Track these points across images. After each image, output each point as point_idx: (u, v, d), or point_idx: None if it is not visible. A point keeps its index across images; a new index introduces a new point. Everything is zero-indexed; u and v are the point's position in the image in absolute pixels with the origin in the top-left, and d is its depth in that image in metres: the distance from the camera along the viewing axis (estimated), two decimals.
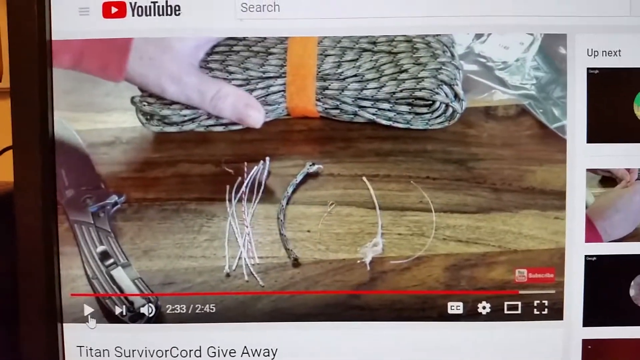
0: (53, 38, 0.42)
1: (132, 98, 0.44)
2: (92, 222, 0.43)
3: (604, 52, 0.43)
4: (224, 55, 0.44)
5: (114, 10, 0.42)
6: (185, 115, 0.43)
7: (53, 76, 0.43)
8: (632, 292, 0.43)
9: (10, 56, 0.41)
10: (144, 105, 0.43)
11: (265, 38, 0.44)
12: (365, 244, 0.44)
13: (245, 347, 0.43)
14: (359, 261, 0.43)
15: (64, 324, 0.43)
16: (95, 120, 0.44)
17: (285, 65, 0.43)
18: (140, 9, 0.42)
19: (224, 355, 0.43)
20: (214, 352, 0.43)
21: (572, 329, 0.44)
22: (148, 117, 0.44)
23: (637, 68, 0.43)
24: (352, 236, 0.44)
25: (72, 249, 0.43)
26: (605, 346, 0.44)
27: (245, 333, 0.43)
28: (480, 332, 0.44)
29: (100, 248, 0.43)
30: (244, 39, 0.44)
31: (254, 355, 0.43)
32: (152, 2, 0.42)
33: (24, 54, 0.41)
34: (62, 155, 0.43)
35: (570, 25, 0.43)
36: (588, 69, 0.43)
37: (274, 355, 0.43)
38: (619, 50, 0.43)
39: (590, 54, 0.43)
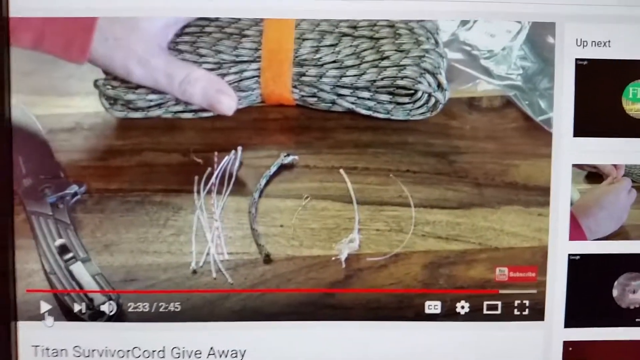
0: (11, 15, 0.41)
1: (96, 81, 0.43)
2: (51, 213, 0.43)
3: (594, 43, 0.43)
4: (195, 37, 0.43)
5: None
6: (151, 100, 0.43)
7: (11, 57, 0.42)
8: (615, 293, 0.44)
9: None
10: (108, 88, 0.42)
11: (239, 19, 0.43)
12: (341, 239, 0.43)
13: (211, 348, 0.43)
14: (334, 258, 0.43)
15: (18, 322, 0.43)
16: (56, 104, 0.43)
17: (260, 49, 0.43)
18: None
19: (189, 357, 0.43)
20: (179, 353, 0.43)
21: (553, 330, 0.44)
22: (112, 101, 0.43)
23: (627, 60, 0.43)
24: (327, 231, 0.43)
25: (29, 241, 0.43)
26: (587, 348, 0.44)
27: (212, 333, 0.43)
28: (458, 333, 0.44)
29: (58, 241, 0.42)
30: (217, 19, 0.43)
31: (221, 357, 0.43)
32: None
33: None
34: (20, 142, 0.42)
35: (559, 14, 0.43)
36: (576, 59, 0.43)
37: (242, 356, 0.43)
38: (609, 41, 0.43)
39: (579, 44, 0.43)
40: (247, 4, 0.42)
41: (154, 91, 0.43)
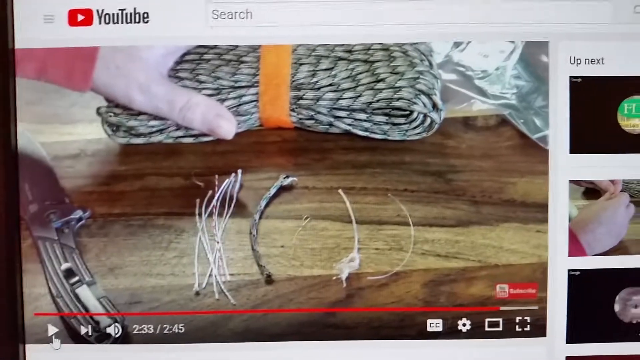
0: (16, 47, 0.44)
1: (98, 109, 0.45)
2: (57, 238, 0.44)
3: (587, 60, 0.44)
4: (194, 64, 0.45)
5: (80, 17, 0.43)
6: (153, 126, 0.45)
7: (16, 87, 0.44)
8: (617, 307, 0.45)
9: None
10: (110, 116, 0.44)
11: (237, 46, 0.45)
12: (341, 259, 0.45)
13: None
14: (334, 277, 0.45)
15: (26, 345, 0.44)
16: (60, 132, 0.45)
17: (257, 74, 0.45)
18: (107, 16, 0.43)
19: None
20: None
21: (555, 346, 0.45)
22: (114, 128, 0.45)
23: (621, 76, 0.45)
24: (327, 251, 0.45)
25: (36, 266, 0.44)
26: None
27: (215, 354, 0.45)
28: (461, 350, 0.45)
29: (64, 265, 0.44)
30: (215, 46, 0.45)
31: None
32: (119, 9, 0.44)
33: None
34: (26, 169, 0.44)
35: (553, 33, 0.44)
36: (571, 77, 0.44)
37: None
38: (602, 58, 0.44)
39: (572, 61, 0.44)
40: (245, 32, 0.44)
41: (155, 117, 0.45)
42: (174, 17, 0.44)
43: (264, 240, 0.45)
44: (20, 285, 0.44)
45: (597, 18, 0.44)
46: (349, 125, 0.45)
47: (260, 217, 0.45)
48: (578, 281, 0.45)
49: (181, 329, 0.44)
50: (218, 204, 0.45)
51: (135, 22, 0.44)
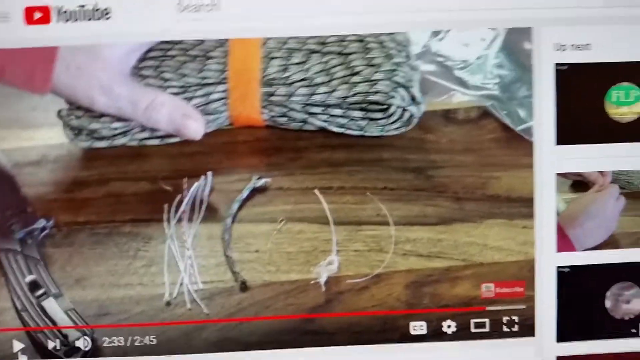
0: None
1: (59, 112, 0.44)
2: (20, 249, 0.43)
3: (573, 46, 0.43)
4: (158, 61, 0.44)
5: (37, 15, 0.42)
6: (116, 128, 0.44)
7: None
8: (608, 304, 0.44)
9: None
10: (72, 119, 0.43)
11: (203, 41, 0.44)
12: (319, 262, 0.44)
13: None
14: (313, 282, 0.44)
15: None
16: (20, 137, 0.44)
17: (226, 70, 0.44)
18: (66, 13, 0.42)
19: None
20: None
21: (545, 346, 0.44)
22: (76, 132, 0.44)
23: (609, 62, 0.43)
24: (304, 255, 0.44)
25: None
26: None
27: None
28: (446, 353, 0.44)
29: (29, 277, 0.43)
30: (180, 42, 0.44)
31: None
32: (79, 6, 0.42)
33: None
34: None
35: (536, 18, 0.43)
36: (556, 64, 0.43)
37: None
38: (589, 44, 0.43)
39: (558, 48, 0.43)
40: (211, 25, 0.42)
41: (118, 119, 0.43)
42: (136, 12, 0.42)
43: (238, 245, 0.44)
44: None
45: (582, 1, 0.43)
46: (324, 121, 0.44)
47: (232, 221, 0.44)
48: (567, 278, 0.44)
49: (152, 341, 0.43)
50: (188, 208, 0.44)
51: (95, 18, 0.42)
